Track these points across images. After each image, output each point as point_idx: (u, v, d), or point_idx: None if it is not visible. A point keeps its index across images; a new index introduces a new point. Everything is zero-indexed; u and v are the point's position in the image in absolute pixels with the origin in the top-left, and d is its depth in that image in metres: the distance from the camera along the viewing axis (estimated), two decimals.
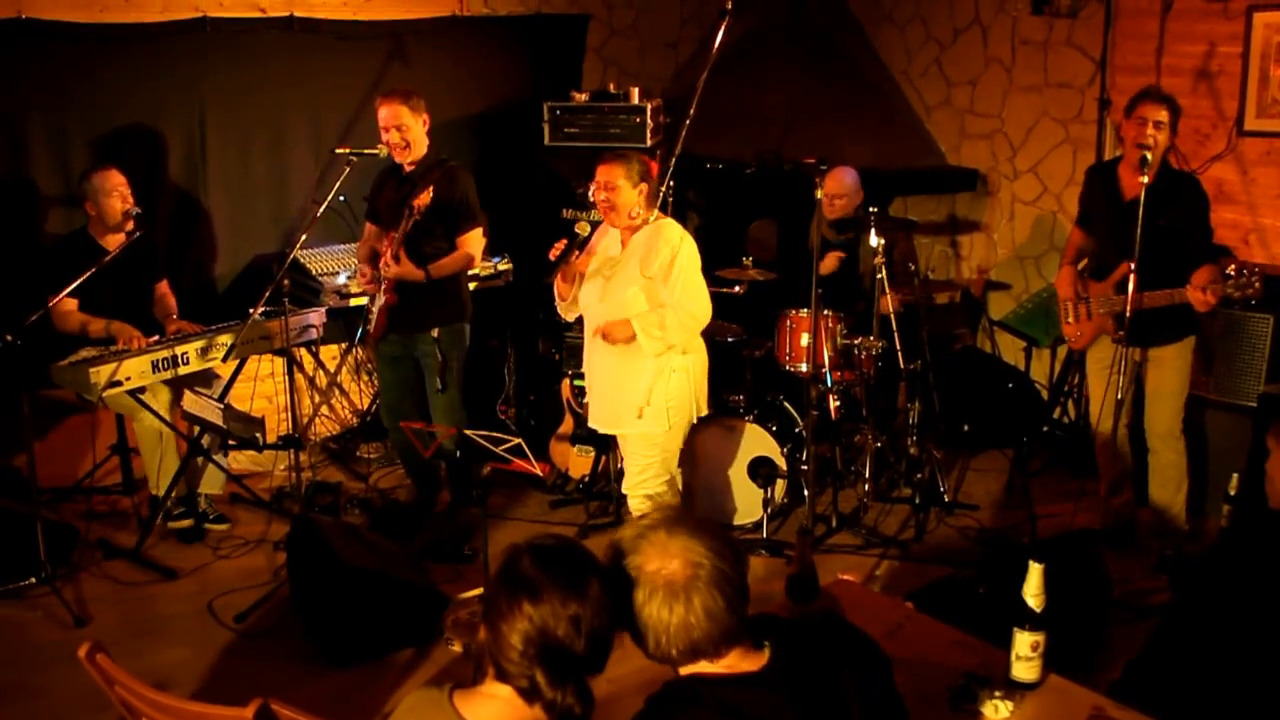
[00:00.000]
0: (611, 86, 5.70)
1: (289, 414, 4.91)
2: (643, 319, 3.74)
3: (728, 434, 4.63)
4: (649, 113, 5.41)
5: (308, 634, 3.81)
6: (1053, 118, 5.70)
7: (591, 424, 4.10)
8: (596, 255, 3.91)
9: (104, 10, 4.76)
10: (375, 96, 4.50)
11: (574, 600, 1.70)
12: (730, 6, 4.87)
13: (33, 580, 4.07)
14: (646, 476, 3.92)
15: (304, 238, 4.30)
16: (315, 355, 5.59)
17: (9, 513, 4.35)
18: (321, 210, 4.29)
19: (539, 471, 3.60)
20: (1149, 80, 4.82)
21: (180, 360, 4.39)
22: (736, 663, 1.74)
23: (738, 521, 4.69)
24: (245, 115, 5.20)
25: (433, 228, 4.35)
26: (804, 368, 4.73)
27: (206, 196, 5.18)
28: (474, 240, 4.50)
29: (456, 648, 3.75)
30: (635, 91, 5.50)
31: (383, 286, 4.37)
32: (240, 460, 5.17)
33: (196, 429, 4.47)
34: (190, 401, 4.27)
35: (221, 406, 4.37)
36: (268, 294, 4.22)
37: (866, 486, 4.78)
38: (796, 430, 4.80)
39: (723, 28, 4.89)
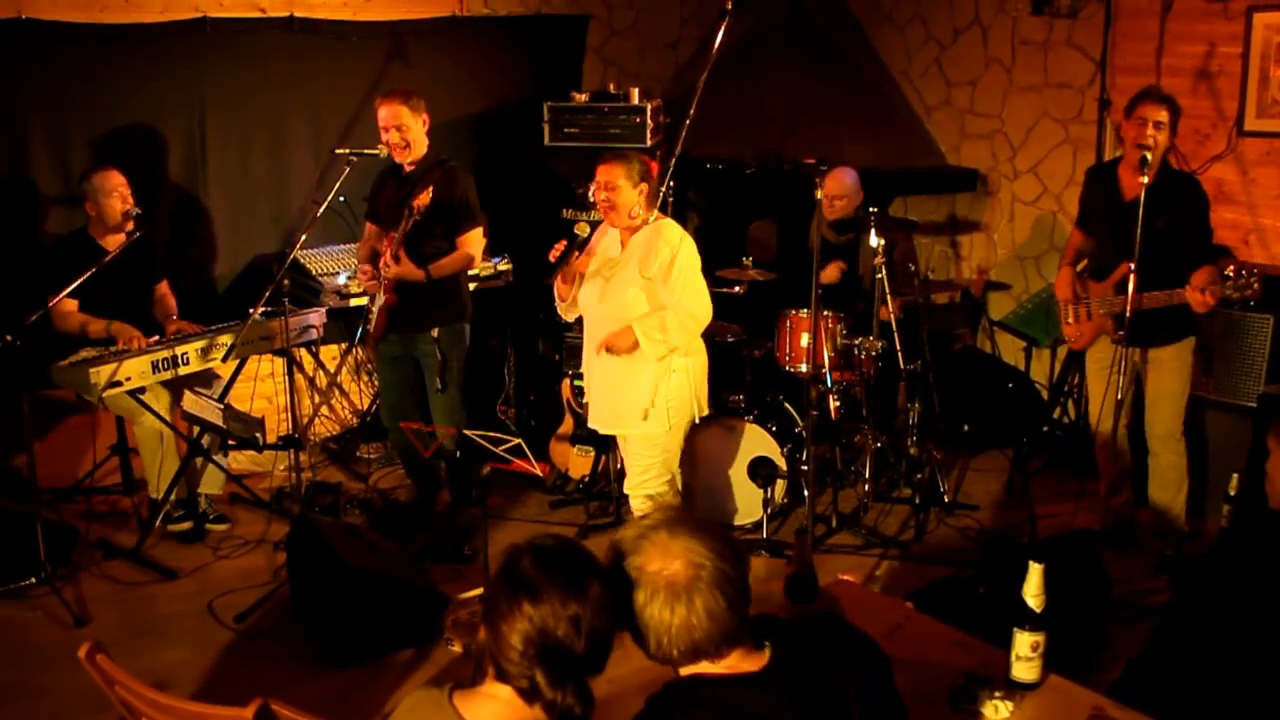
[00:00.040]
0: (611, 87, 5.70)
1: (289, 414, 4.91)
2: (643, 323, 3.74)
3: (728, 434, 4.64)
4: (649, 113, 5.41)
5: (308, 634, 3.81)
6: (1053, 118, 5.70)
7: (591, 424, 4.10)
8: (596, 256, 3.91)
9: (104, 10, 4.76)
10: (375, 96, 4.50)
11: (574, 600, 1.70)
12: (730, 7, 4.87)
13: (33, 580, 4.07)
14: (648, 477, 3.93)
15: (304, 238, 4.30)
16: (315, 355, 5.59)
17: (9, 513, 4.35)
18: (321, 210, 4.29)
19: (539, 472, 3.60)
20: (1149, 80, 4.82)
21: (180, 360, 4.39)
22: (737, 663, 1.74)
23: (738, 522, 4.69)
24: (245, 115, 5.20)
25: (433, 228, 4.35)
26: (804, 368, 4.73)
27: (206, 196, 5.18)
28: (474, 240, 4.50)
29: (456, 648, 3.75)
30: (635, 92, 5.50)
31: (383, 286, 4.37)
32: (240, 460, 5.17)
33: (196, 429, 4.47)
34: (190, 401, 4.27)
35: (221, 407, 4.37)
36: (268, 294, 4.22)
37: (866, 487, 4.78)
38: (796, 430, 4.80)
39: (723, 28, 4.89)
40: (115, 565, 4.36)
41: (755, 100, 6.24)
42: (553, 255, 3.84)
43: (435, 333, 4.45)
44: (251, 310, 4.30)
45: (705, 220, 6.13)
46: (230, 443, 4.70)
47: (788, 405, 4.87)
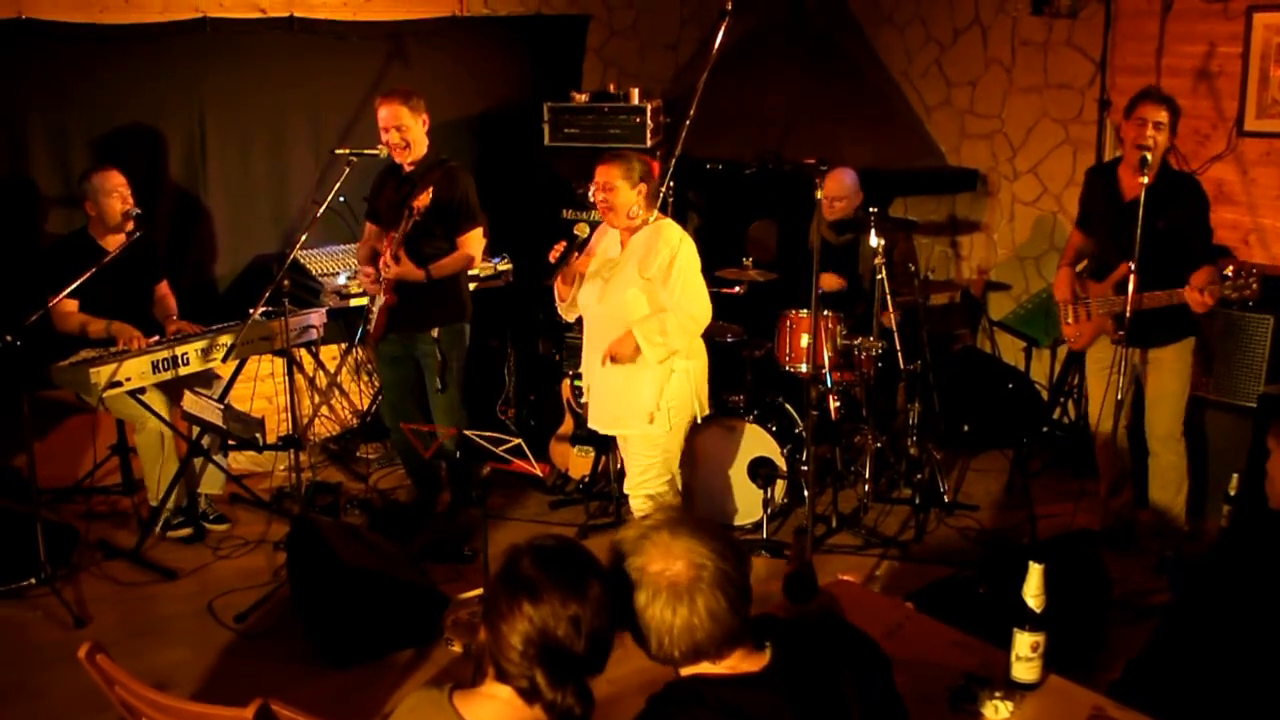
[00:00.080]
0: (611, 87, 5.70)
1: (289, 414, 4.91)
2: (643, 326, 3.75)
3: (728, 434, 4.64)
4: (649, 113, 5.41)
5: (308, 634, 3.81)
6: (1053, 118, 5.70)
7: (591, 425, 4.10)
8: (596, 256, 3.91)
9: (104, 10, 4.76)
10: (375, 97, 4.50)
11: (574, 601, 1.70)
12: (730, 7, 4.87)
13: (33, 580, 4.07)
14: (648, 477, 3.93)
15: (304, 238, 4.30)
16: (315, 356, 5.59)
17: (9, 513, 4.35)
18: (321, 210, 4.28)
19: (539, 472, 3.60)
20: (1149, 81, 4.82)
21: (180, 361, 4.39)
22: (738, 663, 1.74)
23: (738, 522, 4.69)
24: (245, 115, 5.20)
25: (433, 228, 4.35)
26: (804, 368, 4.73)
27: (206, 196, 5.18)
28: (474, 240, 4.50)
29: (456, 648, 3.75)
30: (635, 92, 5.50)
31: (382, 287, 4.37)
32: (240, 460, 5.17)
33: (196, 429, 4.47)
34: (190, 402, 4.27)
35: (221, 407, 4.37)
36: (268, 294, 4.22)
37: (866, 487, 4.78)
38: (796, 431, 4.80)
39: (723, 28, 4.89)
40: (115, 565, 4.36)
41: (755, 100, 6.24)
42: (553, 256, 3.85)
43: (435, 333, 4.45)
44: (251, 310, 4.31)
45: (705, 220, 6.13)
46: (230, 443, 4.70)
47: (788, 405, 4.87)
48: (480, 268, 5.13)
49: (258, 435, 4.35)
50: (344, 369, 5.75)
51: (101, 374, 4.15)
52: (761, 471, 4.52)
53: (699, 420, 4.01)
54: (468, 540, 4.51)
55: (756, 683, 1.72)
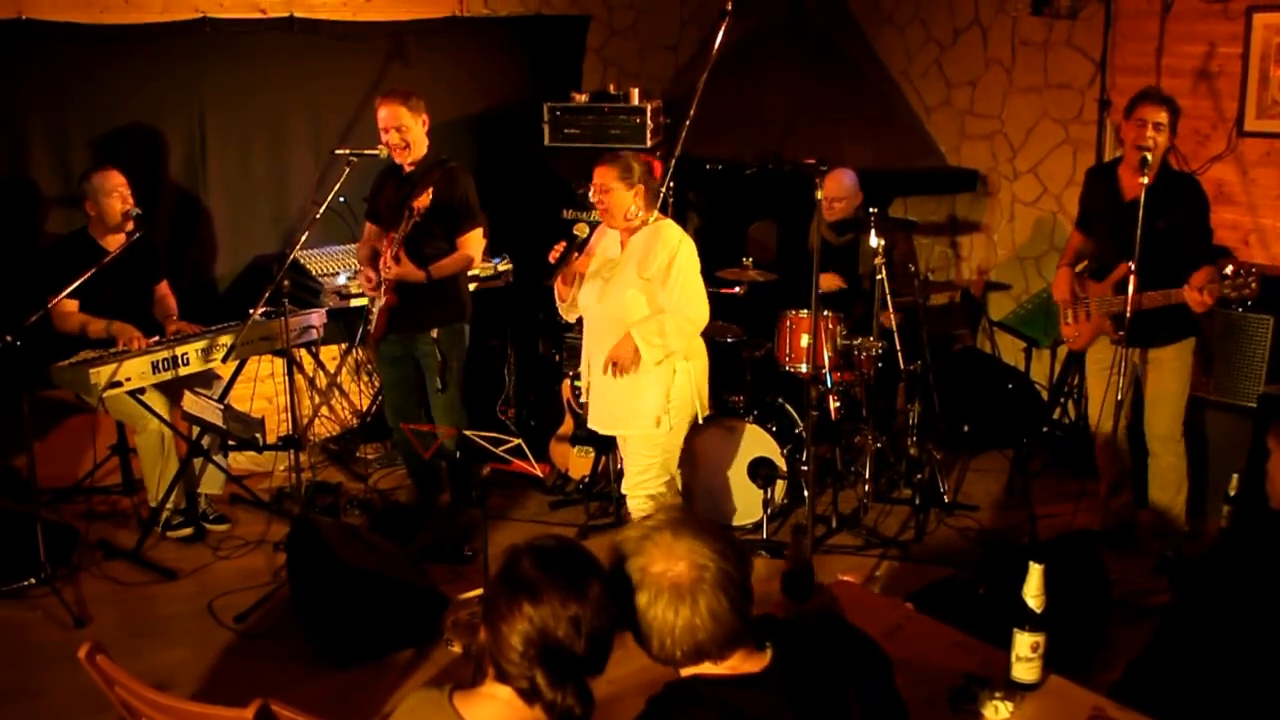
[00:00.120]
0: (611, 87, 5.70)
1: (289, 414, 4.91)
2: (642, 329, 3.75)
3: (728, 435, 4.64)
4: (649, 114, 5.41)
5: (308, 634, 3.81)
6: (1053, 118, 5.70)
7: (591, 425, 4.10)
8: (596, 256, 3.91)
9: (104, 11, 4.76)
10: (375, 97, 4.50)
11: (574, 601, 1.70)
12: (730, 7, 4.87)
13: (33, 580, 4.07)
14: (647, 477, 3.93)
15: (304, 238, 4.30)
16: (315, 356, 5.59)
17: (9, 513, 4.35)
18: (321, 211, 4.29)
19: (539, 472, 3.60)
20: (1149, 81, 4.82)
21: (181, 361, 4.39)
22: (739, 664, 1.74)
23: (737, 522, 4.69)
24: (245, 115, 5.20)
25: (432, 228, 4.35)
26: (804, 368, 4.73)
27: (206, 196, 5.18)
28: (474, 241, 4.50)
29: (456, 648, 3.75)
30: (635, 92, 5.50)
31: (382, 287, 4.37)
32: (240, 461, 5.17)
33: (196, 429, 4.47)
34: (190, 402, 4.27)
35: (221, 407, 4.37)
36: (268, 294, 4.22)
37: (866, 487, 4.78)
38: (796, 431, 4.80)
39: (723, 29, 4.89)
40: (115, 566, 4.35)
41: (755, 101, 6.24)
42: (552, 256, 3.85)
43: (435, 333, 4.45)
44: (251, 310, 4.31)
45: (705, 221, 6.13)
46: (230, 443, 4.70)
47: (788, 406, 4.87)
48: (480, 268, 5.13)
49: (258, 435, 4.35)
50: (344, 369, 5.75)
51: (101, 374, 4.15)
52: (761, 472, 4.52)
53: (699, 420, 4.01)
54: (468, 540, 4.51)
55: (757, 683, 1.72)
